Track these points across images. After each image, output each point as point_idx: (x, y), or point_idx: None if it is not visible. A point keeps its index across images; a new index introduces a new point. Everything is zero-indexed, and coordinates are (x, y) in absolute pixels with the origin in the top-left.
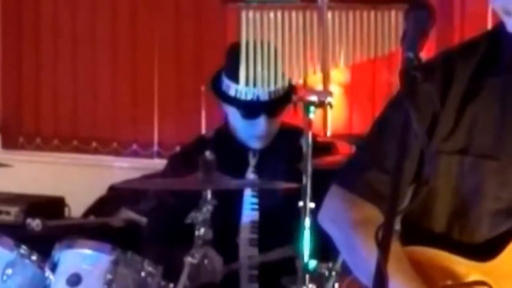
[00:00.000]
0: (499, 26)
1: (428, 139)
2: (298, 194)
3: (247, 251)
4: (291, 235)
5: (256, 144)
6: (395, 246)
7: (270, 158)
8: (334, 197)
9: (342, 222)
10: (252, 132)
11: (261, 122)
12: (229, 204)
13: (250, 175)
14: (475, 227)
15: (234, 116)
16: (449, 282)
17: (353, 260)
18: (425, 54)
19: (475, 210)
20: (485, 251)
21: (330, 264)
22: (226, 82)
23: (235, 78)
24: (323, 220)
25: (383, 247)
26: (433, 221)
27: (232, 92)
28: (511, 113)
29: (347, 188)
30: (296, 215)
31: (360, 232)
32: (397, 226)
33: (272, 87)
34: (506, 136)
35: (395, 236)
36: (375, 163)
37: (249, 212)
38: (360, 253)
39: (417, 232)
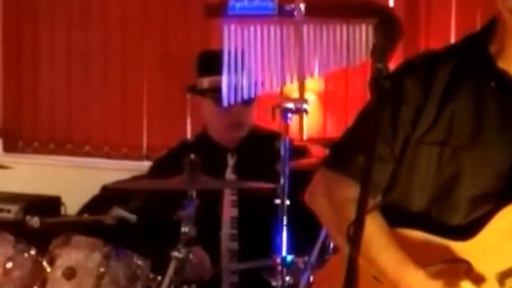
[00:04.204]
0: (474, 36)
1: (412, 130)
2: (273, 192)
3: (228, 245)
4: (268, 230)
5: (233, 134)
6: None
7: (246, 158)
8: (323, 177)
9: (335, 199)
10: (229, 120)
11: (236, 108)
12: (211, 201)
13: (229, 174)
14: (452, 212)
15: (210, 110)
16: (429, 260)
17: (341, 231)
18: (393, 64)
19: (453, 196)
20: (463, 232)
21: (306, 258)
22: (200, 80)
23: (206, 72)
24: (312, 196)
25: (355, 242)
26: (412, 206)
27: (205, 85)
28: (485, 110)
29: (339, 170)
30: (272, 211)
31: (349, 207)
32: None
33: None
34: (481, 130)
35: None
36: (361, 149)
37: (230, 209)
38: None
39: (396, 215)
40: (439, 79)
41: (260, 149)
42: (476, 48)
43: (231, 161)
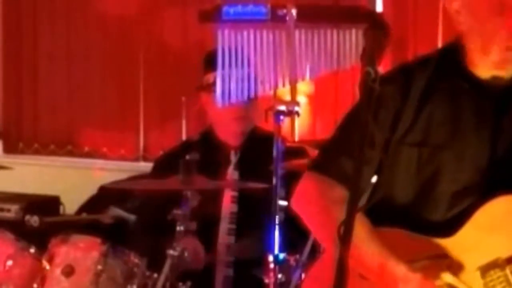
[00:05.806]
0: (449, 45)
1: (391, 134)
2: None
3: (225, 239)
4: (265, 227)
5: (238, 127)
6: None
7: (249, 156)
8: (309, 181)
9: (319, 200)
10: (234, 113)
11: (241, 102)
12: (211, 196)
13: (232, 171)
14: (434, 207)
15: (214, 105)
16: (414, 257)
17: (328, 234)
18: (382, 68)
19: (434, 193)
20: (445, 228)
21: (298, 256)
22: (206, 77)
23: (211, 68)
24: (297, 203)
25: (345, 241)
26: (396, 205)
27: (211, 80)
28: (460, 110)
29: (322, 172)
30: (269, 209)
31: (336, 209)
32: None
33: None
34: (458, 128)
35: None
36: (345, 152)
37: (229, 204)
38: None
39: (381, 214)
40: (416, 85)
41: (262, 148)
42: (449, 56)
43: (234, 158)
